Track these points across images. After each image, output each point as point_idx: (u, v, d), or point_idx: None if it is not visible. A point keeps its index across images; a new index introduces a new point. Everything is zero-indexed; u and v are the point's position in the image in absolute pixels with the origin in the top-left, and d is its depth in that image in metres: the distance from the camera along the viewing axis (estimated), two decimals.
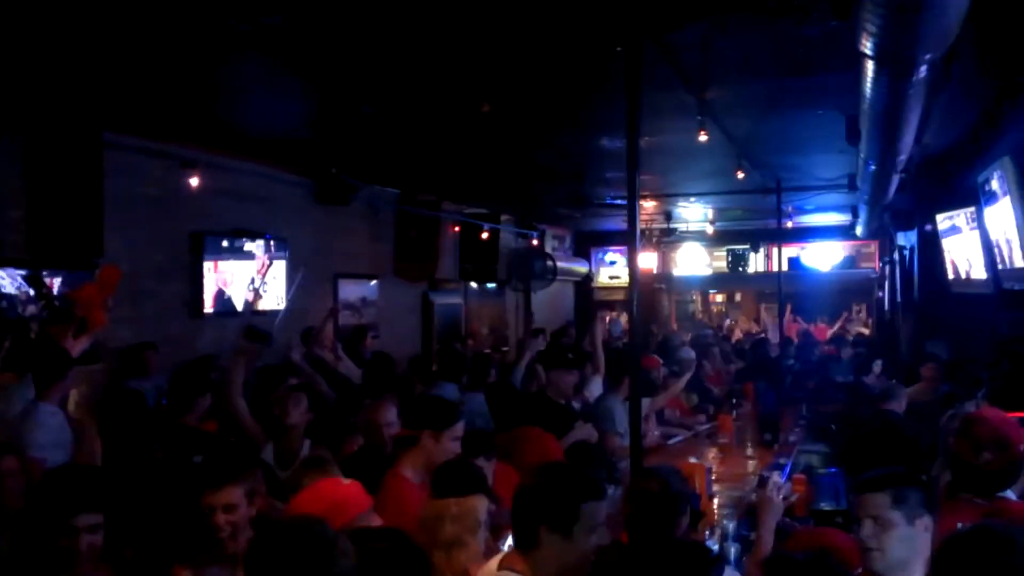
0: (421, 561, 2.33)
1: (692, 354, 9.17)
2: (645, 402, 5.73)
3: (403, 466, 3.67)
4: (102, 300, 5.40)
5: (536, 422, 4.99)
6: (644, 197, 11.25)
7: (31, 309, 5.91)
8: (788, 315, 12.62)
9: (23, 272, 5.86)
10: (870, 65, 3.69)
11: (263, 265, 8.21)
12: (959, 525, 2.76)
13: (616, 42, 3.89)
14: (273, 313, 8.04)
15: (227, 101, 5.93)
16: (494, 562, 2.43)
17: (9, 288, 5.77)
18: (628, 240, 3.70)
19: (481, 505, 2.94)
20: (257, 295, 8.13)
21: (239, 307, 7.88)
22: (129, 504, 3.22)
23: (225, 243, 7.72)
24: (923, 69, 3.62)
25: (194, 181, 7.10)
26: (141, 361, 6.25)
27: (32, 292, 5.96)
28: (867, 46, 3.41)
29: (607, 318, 16.02)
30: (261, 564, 1.89)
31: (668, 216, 13.57)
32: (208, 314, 7.51)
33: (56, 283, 6.10)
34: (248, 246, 8.01)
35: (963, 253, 8.55)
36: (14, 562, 2.88)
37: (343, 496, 2.75)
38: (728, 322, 17.32)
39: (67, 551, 2.64)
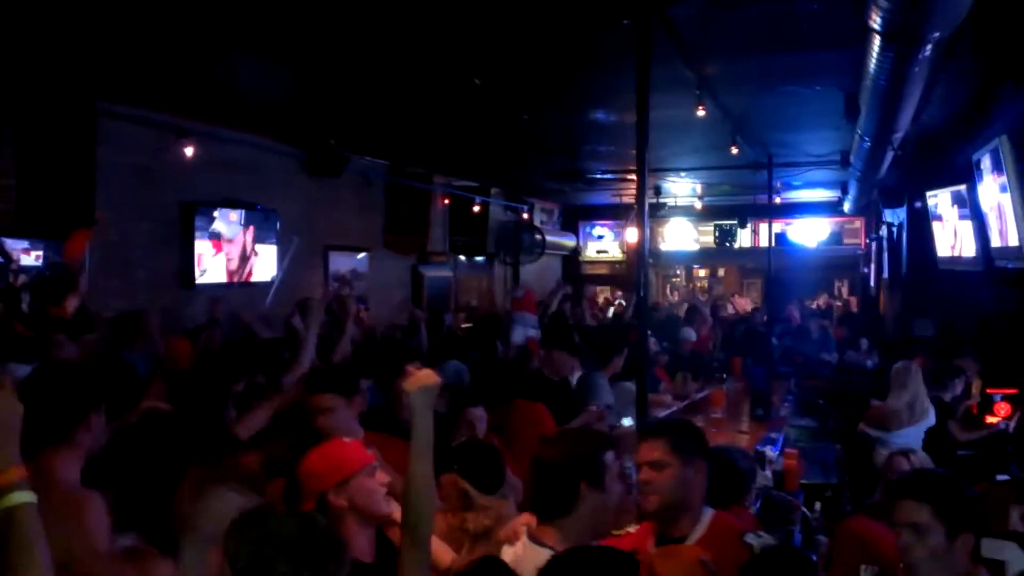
0: None
1: (693, 335, 9.18)
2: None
3: None
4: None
5: (535, 399, 5.02)
6: (634, 172, 11.18)
7: (22, 279, 5.83)
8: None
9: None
10: (876, 41, 3.68)
11: (253, 236, 8.13)
12: None
13: (623, 15, 3.86)
14: (265, 284, 8.01)
15: (221, 70, 5.85)
16: (521, 541, 2.48)
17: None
18: (637, 215, 3.71)
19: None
20: (247, 266, 8.06)
21: (229, 278, 7.82)
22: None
23: (216, 213, 7.64)
24: (929, 48, 3.62)
25: (186, 151, 7.01)
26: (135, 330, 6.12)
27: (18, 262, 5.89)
28: (876, 21, 3.40)
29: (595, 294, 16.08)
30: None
31: (657, 191, 13.53)
32: (199, 284, 7.45)
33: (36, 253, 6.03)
34: (237, 217, 7.93)
35: (953, 230, 8.61)
36: None
37: (344, 453, 2.68)
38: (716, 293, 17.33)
39: None
